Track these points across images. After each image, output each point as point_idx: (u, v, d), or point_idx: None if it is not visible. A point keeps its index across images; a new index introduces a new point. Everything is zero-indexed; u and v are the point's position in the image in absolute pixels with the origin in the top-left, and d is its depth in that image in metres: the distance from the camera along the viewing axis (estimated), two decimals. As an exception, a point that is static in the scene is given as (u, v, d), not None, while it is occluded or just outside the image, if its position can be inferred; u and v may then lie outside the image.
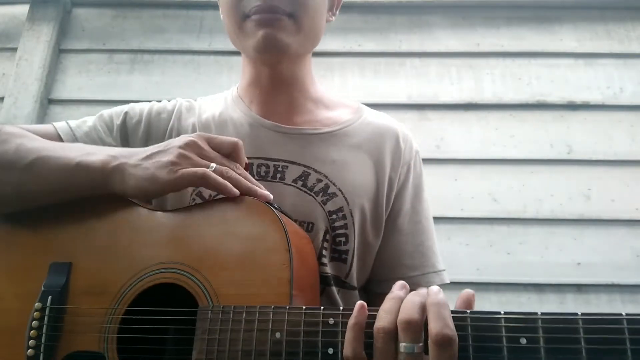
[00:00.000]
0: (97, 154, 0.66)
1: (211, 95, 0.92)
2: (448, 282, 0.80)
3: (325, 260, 0.74)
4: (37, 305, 0.63)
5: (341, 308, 0.52)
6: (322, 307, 0.52)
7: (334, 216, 0.75)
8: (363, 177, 0.79)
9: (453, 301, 0.72)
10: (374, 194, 0.79)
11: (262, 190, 0.65)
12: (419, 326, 0.47)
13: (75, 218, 0.68)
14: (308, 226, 0.73)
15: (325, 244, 0.74)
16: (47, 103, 1.78)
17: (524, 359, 0.46)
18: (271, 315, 0.53)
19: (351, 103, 0.91)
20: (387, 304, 0.50)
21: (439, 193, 1.62)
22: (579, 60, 1.76)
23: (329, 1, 0.85)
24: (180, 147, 0.64)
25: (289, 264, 0.55)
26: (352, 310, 0.51)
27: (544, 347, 0.46)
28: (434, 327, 0.46)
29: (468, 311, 0.49)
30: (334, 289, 0.74)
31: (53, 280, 0.65)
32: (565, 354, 0.45)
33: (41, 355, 0.62)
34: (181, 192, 0.70)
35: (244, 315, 0.54)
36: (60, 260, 0.66)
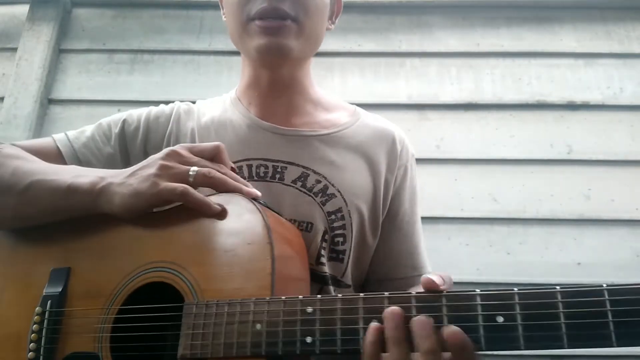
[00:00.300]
0: (87, 176, 0.68)
1: (210, 99, 0.93)
2: None
3: (323, 260, 0.74)
4: (38, 309, 0.65)
5: (319, 296, 0.53)
6: (300, 296, 0.53)
7: (333, 216, 0.76)
8: (360, 179, 0.80)
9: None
10: (371, 195, 0.80)
11: (248, 187, 0.65)
12: None
13: (73, 224, 0.69)
14: (307, 226, 0.74)
15: (324, 244, 0.75)
16: (47, 103, 1.78)
17: (501, 337, 0.46)
18: (252, 306, 0.53)
19: (349, 106, 0.92)
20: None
21: (439, 193, 1.62)
22: (579, 60, 1.76)
23: (330, 9, 0.86)
24: (161, 159, 0.65)
25: (270, 257, 0.56)
26: (330, 298, 0.52)
27: (522, 325, 0.45)
28: None
29: (443, 291, 0.49)
30: (331, 288, 0.75)
31: (53, 285, 0.67)
32: (545, 330, 0.45)
33: (41, 357, 0.63)
34: None
35: (226, 308, 0.55)
36: (60, 266, 0.68)
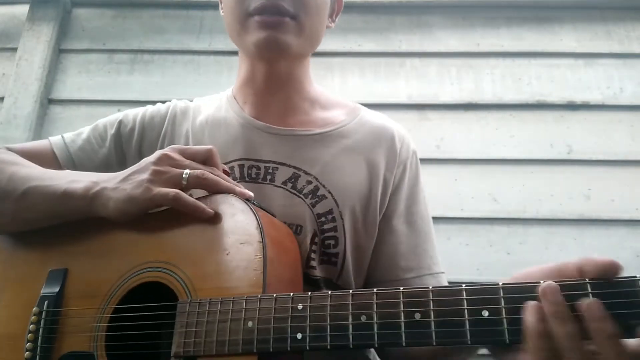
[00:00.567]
0: (81, 182, 0.68)
1: (208, 96, 0.93)
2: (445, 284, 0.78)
3: (314, 263, 0.73)
4: (35, 310, 0.66)
5: (309, 293, 0.53)
6: (292, 294, 0.53)
7: (323, 219, 0.74)
8: (355, 179, 0.78)
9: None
10: (366, 195, 0.78)
11: (241, 188, 0.66)
12: None
13: (70, 226, 0.70)
14: (297, 229, 0.73)
15: (314, 247, 0.73)
16: (47, 103, 1.78)
17: (486, 332, 0.46)
18: (244, 304, 0.54)
19: (348, 103, 0.90)
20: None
21: (439, 193, 1.61)
22: (579, 60, 1.76)
23: (330, 7, 0.85)
24: (153, 164, 0.66)
25: (262, 256, 0.56)
26: (320, 295, 0.52)
27: (507, 319, 0.46)
28: None
29: (430, 287, 0.50)
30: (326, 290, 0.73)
31: (50, 286, 0.68)
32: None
33: (37, 357, 0.64)
34: None
35: (219, 306, 0.55)
36: (58, 267, 0.69)
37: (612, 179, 1.64)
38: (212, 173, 0.66)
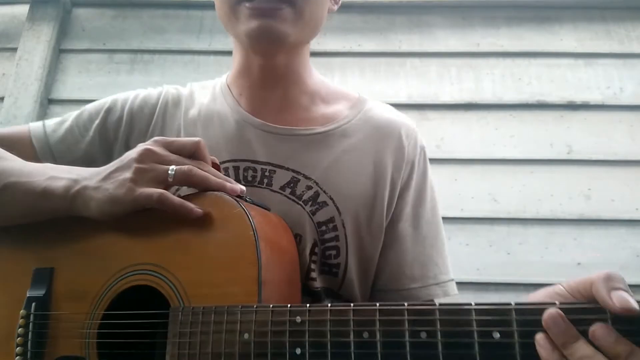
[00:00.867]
0: (61, 179, 0.64)
1: (204, 82, 0.86)
2: (454, 294, 0.74)
3: (314, 274, 0.69)
4: (22, 312, 0.64)
5: (308, 305, 0.50)
6: (289, 305, 0.51)
7: (324, 227, 0.69)
8: (359, 182, 0.72)
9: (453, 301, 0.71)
10: (371, 200, 0.72)
11: (231, 184, 0.61)
12: None
13: (55, 222, 0.67)
14: (296, 238, 0.68)
15: (314, 257, 0.69)
16: (47, 103, 1.78)
17: (497, 356, 0.43)
18: (239, 315, 0.52)
19: (351, 94, 0.83)
20: None
21: (439, 193, 1.61)
22: (579, 60, 1.76)
23: None
24: (136, 161, 0.60)
25: (256, 261, 0.53)
26: (319, 308, 0.49)
27: (519, 342, 0.43)
28: None
29: (437, 304, 0.46)
30: (327, 300, 0.70)
31: (36, 287, 0.65)
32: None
33: None
34: None
35: (212, 316, 0.53)
36: (43, 266, 0.66)
37: (612, 179, 1.64)
38: (200, 168, 0.61)
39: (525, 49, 1.77)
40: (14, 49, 1.81)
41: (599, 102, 1.71)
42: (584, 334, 0.41)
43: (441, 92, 1.75)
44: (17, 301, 0.65)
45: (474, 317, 0.44)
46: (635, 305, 0.40)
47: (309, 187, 0.70)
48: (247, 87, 0.77)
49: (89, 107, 0.81)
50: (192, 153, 0.63)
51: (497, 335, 0.43)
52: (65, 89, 1.80)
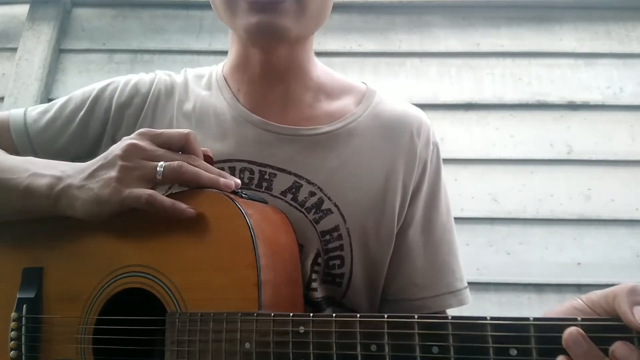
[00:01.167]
0: (44, 176, 0.60)
1: (199, 69, 0.79)
2: (468, 303, 0.71)
3: (315, 285, 0.64)
4: (14, 315, 0.62)
5: (312, 315, 0.48)
6: (291, 314, 0.48)
7: (328, 236, 0.64)
8: (367, 188, 0.67)
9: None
10: (380, 206, 0.67)
11: (225, 179, 0.57)
12: None
13: (45, 220, 0.64)
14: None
15: (317, 268, 0.64)
16: (47, 103, 1.78)
17: None
18: (239, 324, 0.49)
19: (358, 86, 0.77)
20: None
21: (439, 193, 1.61)
22: (579, 60, 1.76)
23: None
24: (121, 158, 0.56)
25: (254, 264, 0.51)
26: (323, 318, 0.46)
27: None
28: None
29: (449, 317, 0.43)
30: (329, 309, 0.67)
31: (27, 288, 0.63)
32: None
33: None
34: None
35: (211, 324, 0.51)
36: (32, 266, 0.64)
37: (612, 179, 1.64)
38: (191, 163, 0.57)
39: (525, 49, 1.77)
40: (14, 49, 1.81)
41: (599, 102, 1.71)
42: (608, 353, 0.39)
43: (441, 92, 1.75)
44: (9, 302, 0.63)
45: (489, 332, 0.42)
46: None
47: (312, 193, 0.65)
48: (245, 81, 0.71)
49: (76, 94, 0.75)
50: (181, 146, 0.59)
51: (514, 352, 0.41)
52: (65, 89, 1.80)
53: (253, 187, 0.66)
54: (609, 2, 1.79)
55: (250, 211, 0.55)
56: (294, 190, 0.65)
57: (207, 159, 0.61)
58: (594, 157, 1.66)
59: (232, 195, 0.56)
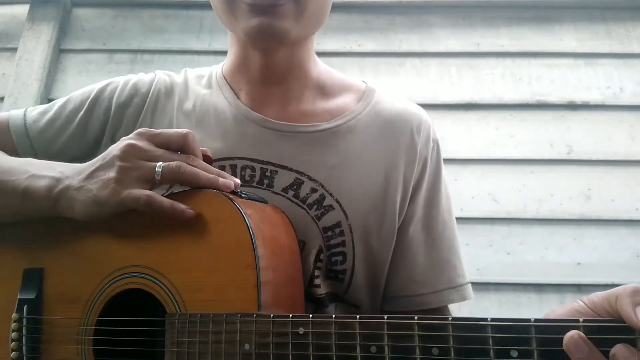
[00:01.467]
0: (43, 178, 0.60)
1: (199, 69, 0.80)
2: (470, 298, 0.71)
3: (318, 281, 0.65)
4: (14, 316, 0.62)
5: (311, 316, 0.48)
6: (290, 315, 0.48)
7: (330, 233, 0.65)
8: (368, 184, 0.67)
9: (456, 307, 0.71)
10: (382, 202, 0.67)
11: (224, 179, 0.57)
12: None
13: (45, 221, 0.64)
14: (299, 245, 0.64)
15: (319, 264, 0.65)
16: (47, 103, 1.78)
17: None
18: (239, 325, 0.49)
19: (357, 84, 0.78)
20: None
21: (439, 193, 1.62)
22: (579, 60, 1.76)
23: None
24: (119, 159, 0.56)
25: (254, 265, 0.51)
26: (323, 319, 0.47)
27: None
28: None
29: (449, 318, 0.43)
30: (331, 307, 0.67)
31: (27, 288, 0.63)
32: None
33: None
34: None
35: (210, 325, 0.51)
36: (32, 267, 0.64)
37: (612, 179, 1.64)
38: (190, 163, 0.57)
39: (525, 49, 1.77)
40: (14, 49, 1.81)
41: (599, 102, 1.71)
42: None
43: (441, 92, 1.75)
44: (10, 303, 0.63)
45: (490, 333, 0.42)
46: None
47: (314, 190, 0.66)
48: (245, 82, 0.72)
49: (75, 95, 0.76)
50: (180, 146, 0.59)
51: (515, 353, 0.41)
52: (65, 88, 1.80)
53: (254, 184, 0.66)
54: (609, 2, 1.79)
55: (249, 211, 0.55)
56: (295, 187, 0.66)
57: (206, 158, 0.61)
58: (594, 157, 1.66)
59: (231, 196, 0.56)
